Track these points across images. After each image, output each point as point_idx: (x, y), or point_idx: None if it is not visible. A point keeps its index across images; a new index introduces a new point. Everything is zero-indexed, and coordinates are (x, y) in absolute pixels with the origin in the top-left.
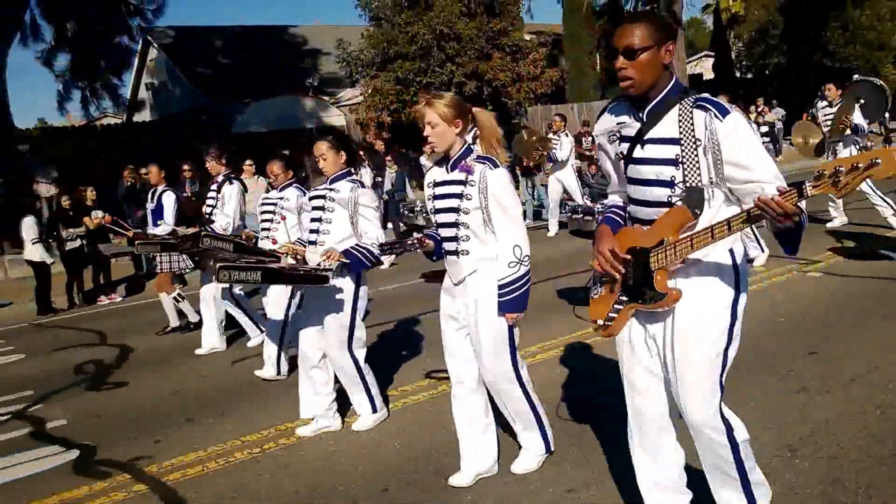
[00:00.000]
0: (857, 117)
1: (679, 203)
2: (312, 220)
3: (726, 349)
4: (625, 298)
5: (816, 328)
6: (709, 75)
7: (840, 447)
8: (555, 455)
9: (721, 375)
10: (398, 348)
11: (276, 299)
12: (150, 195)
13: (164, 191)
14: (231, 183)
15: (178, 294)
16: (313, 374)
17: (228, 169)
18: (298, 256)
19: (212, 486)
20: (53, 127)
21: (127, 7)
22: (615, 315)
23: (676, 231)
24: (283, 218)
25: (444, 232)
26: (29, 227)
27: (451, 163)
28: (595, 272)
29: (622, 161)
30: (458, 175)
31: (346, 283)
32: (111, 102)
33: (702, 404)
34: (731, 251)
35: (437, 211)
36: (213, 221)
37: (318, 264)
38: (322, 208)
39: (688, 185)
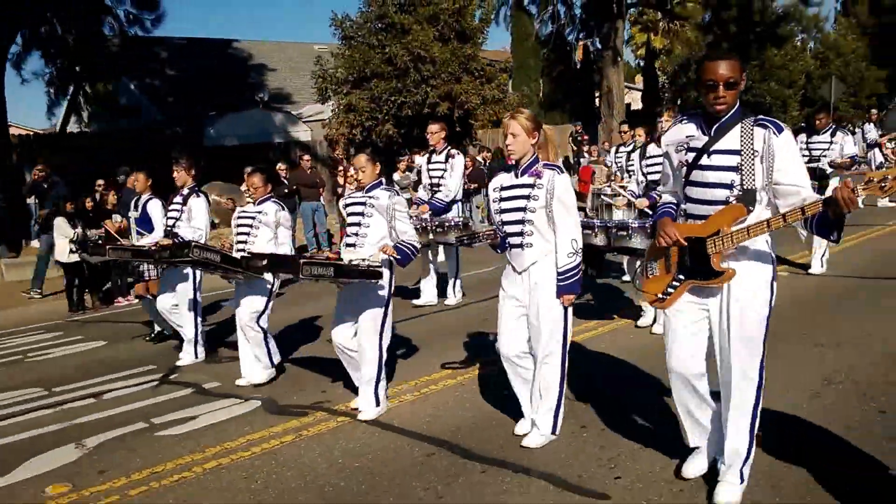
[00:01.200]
0: (849, 147)
1: (734, 202)
2: (351, 224)
3: (768, 316)
4: (682, 277)
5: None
6: (636, 105)
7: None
8: None
9: (765, 338)
10: (412, 342)
11: (183, 291)
12: (133, 203)
13: (149, 199)
14: (198, 196)
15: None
16: (353, 362)
17: (195, 181)
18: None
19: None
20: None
21: (126, 16)
22: (672, 290)
23: (731, 223)
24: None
25: (510, 228)
26: (61, 227)
27: (521, 169)
28: (649, 255)
29: (685, 167)
30: (527, 179)
31: (384, 280)
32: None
33: (750, 359)
34: (768, 241)
35: (504, 210)
36: (176, 234)
37: (362, 261)
38: (362, 214)
39: (745, 187)
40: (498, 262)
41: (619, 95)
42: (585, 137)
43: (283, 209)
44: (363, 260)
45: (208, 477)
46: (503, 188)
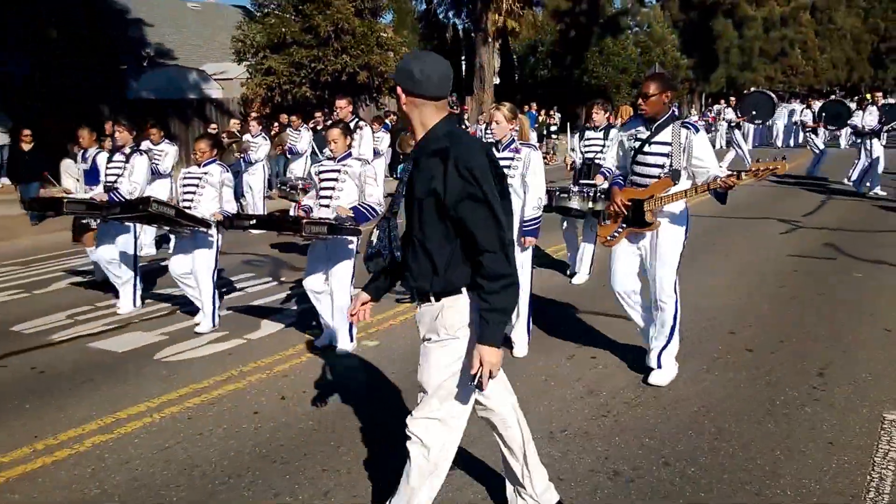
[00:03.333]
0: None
1: (664, 176)
2: (324, 188)
3: (681, 253)
4: (624, 225)
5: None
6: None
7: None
8: None
9: (678, 267)
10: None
11: (125, 242)
12: (81, 156)
13: (97, 152)
14: (140, 154)
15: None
16: (324, 300)
17: (136, 142)
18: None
19: None
20: None
21: None
22: (617, 235)
23: (662, 190)
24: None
25: (326, 184)
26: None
27: (503, 146)
28: (607, 211)
29: (633, 151)
30: (508, 154)
31: (354, 238)
32: None
33: (667, 280)
34: (686, 207)
35: (322, 174)
36: (116, 189)
37: (335, 219)
38: (336, 180)
39: (673, 167)
40: None
41: (490, 72)
42: (466, 108)
43: (227, 171)
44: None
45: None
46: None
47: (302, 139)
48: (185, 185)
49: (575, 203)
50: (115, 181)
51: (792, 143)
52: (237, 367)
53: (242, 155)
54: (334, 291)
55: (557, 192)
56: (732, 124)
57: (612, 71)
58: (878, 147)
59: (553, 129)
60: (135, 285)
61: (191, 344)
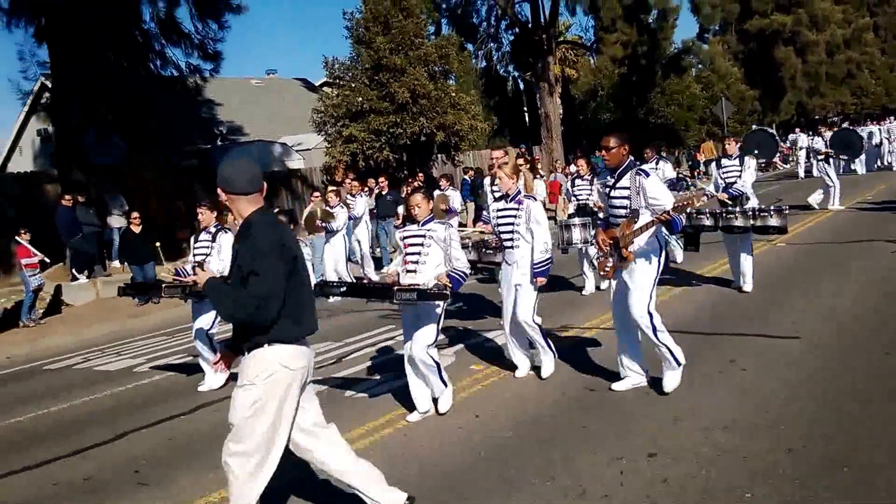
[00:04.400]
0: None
1: (629, 216)
2: (411, 253)
3: (654, 281)
4: (613, 260)
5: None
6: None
7: None
8: None
9: (652, 296)
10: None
11: (207, 320)
12: (198, 235)
13: (219, 229)
14: (226, 233)
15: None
16: (420, 372)
17: (219, 220)
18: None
19: None
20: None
21: (187, 65)
22: (609, 269)
23: (629, 228)
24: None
25: (504, 235)
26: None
27: (510, 198)
28: (599, 249)
29: (606, 197)
30: (514, 205)
31: (441, 302)
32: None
33: (638, 303)
34: (657, 238)
35: (500, 225)
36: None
37: (426, 284)
38: (421, 244)
39: (632, 208)
40: None
41: (556, 121)
42: (537, 159)
43: (307, 244)
44: (427, 284)
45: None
46: (498, 210)
47: (357, 205)
48: (196, 249)
49: (577, 235)
50: (204, 261)
51: (875, 166)
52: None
53: (325, 224)
54: (414, 348)
55: (564, 226)
56: (820, 157)
57: (678, 109)
58: None
59: None
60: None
61: None
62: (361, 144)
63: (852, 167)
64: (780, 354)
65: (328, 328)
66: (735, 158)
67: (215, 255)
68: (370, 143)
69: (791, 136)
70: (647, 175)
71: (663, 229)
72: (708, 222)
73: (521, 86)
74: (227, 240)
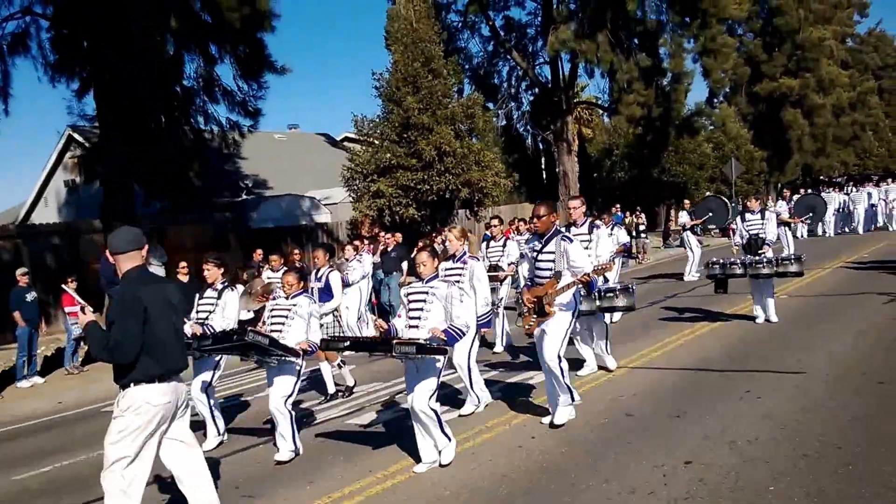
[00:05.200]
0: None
1: (553, 277)
2: (413, 309)
3: (566, 331)
4: (535, 316)
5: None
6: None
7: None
8: None
9: (563, 343)
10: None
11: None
12: (314, 276)
13: (330, 271)
14: (232, 290)
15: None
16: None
17: (225, 276)
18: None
19: None
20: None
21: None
22: (532, 323)
23: (552, 287)
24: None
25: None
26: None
27: (456, 258)
28: (523, 306)
29: (533, 260)
30: (460, 264)
31: (441, 357)
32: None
33: (550, 349)
34: (574, 297)
35: (446, 279)
36: (208, 325)
37: (425, 340)
38: (424, 301)
39: (557, 270)
40: None
41: (574, 178)
42: (557, 215)
43: (315, 302)
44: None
45: None
46: (446, 269)
47: (354, 272)
48: (273, 317)
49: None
50: (207, 318)
51: (872, 227)
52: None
53: (266, 297)
54: (415, 402)
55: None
56: (687, 228)
57: (690, 168)
58: None
59: (641, 228)
60: (213, 416)
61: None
62: (389, 200)
63: (820, 231)
64: (791, 386)
65: (376, 370)
66: (757, 213)
67: (219, 311)
68: (397, 198)
69: (795, 197)
70: (571, 241)
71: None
72: (739, 271)
73: (540, 144)
74: (231, 298)
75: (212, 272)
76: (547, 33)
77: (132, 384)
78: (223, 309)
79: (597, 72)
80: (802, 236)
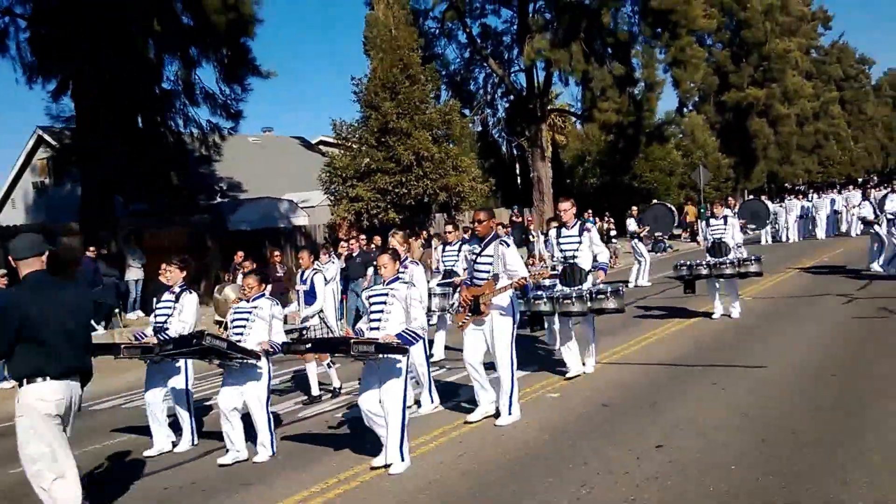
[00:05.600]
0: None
1: (491, 279)
2: (374, 311)
3: (512, 332)
4: (470, 314)
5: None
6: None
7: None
8: None
9: (512, 348)
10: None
11: (178, 379)
12: (299, 278)
13: (315, 272)
14: (190, 293)
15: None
16: (379, 422)
17: (186, 280)
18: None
19: None
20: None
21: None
22: (466, 321)
23: (490, 288)
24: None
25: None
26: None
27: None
28: (459, 303)
29: (472, 262)
30: (401, 268)
31: (402, 356)
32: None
33: (502, 355)
34: (511, 298)
35: (373, 298)
36: (166, 330)
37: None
38: (384, 303)
39: (495, 273)
40: None
41: (548, 184)
42: (531, 220)
43: (277, 304)
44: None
45: None
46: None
47: (329, 269)
48: (235, 320)
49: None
50: (165, 321)
51: (833, 231)
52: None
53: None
54: (387, 410)
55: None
56: (636, 235)
57: (660, 175)
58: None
59: (612, 234)
60: (192, 423)
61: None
62: (367, 204)
63: (784, 237)
64: (754, 379)
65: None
66: (721, 219)
67: (176, 315)
68: (376, 202)
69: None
70: (508, 246)
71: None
72: (704, 271)
73: (515, 150)
74: (189, 301)
75: (173, 275)
76: (523, 42)
77: (25, 381)
78: (180, 312)
79: (571, 80)
80: (767, 242)
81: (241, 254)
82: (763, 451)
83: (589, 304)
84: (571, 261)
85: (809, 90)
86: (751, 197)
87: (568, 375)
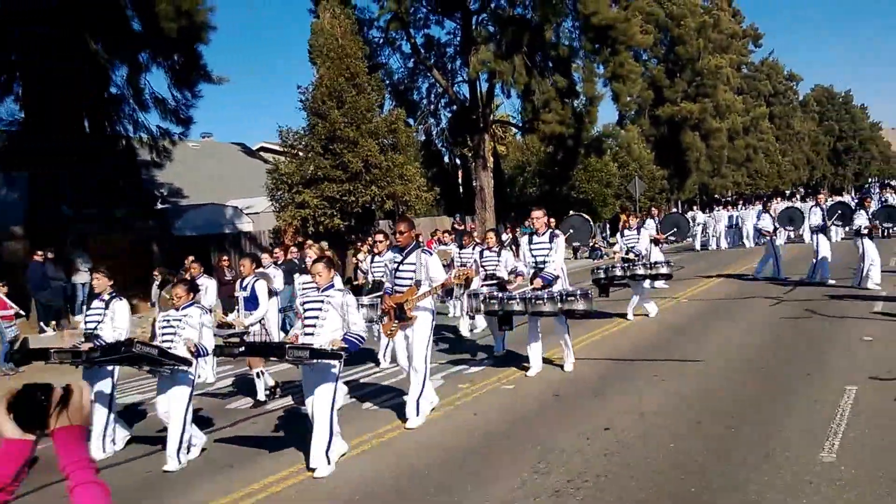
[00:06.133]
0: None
1: (413, 285)
2: (308, 317)
3: (429, 337)
4: (397, 321)
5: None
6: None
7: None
8: None
9: (429, 345)
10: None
11: (104, 384)
12: (239, 285)
13: (256, 280)
14: (120, 300)
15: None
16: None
17: (114, 287)
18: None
19: None
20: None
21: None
22: (395, 328)
23: (411, 295)
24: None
25: (309, 314)
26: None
27: (323, 290)
28: (383, 312)
29: (394, 270)
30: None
31: (336, 362)
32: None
33: (418, 352)
34: (431, 302)
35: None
36: (98, 336)
37: (323, 346)
38: (319, 310)
39: (416, 280)
40: None
41: (490, 193)
42: (473, 227)
43: (207, 313)
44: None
45: None
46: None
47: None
48: (164, 329)
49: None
50: (96, 328)
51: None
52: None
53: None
54: (315, 414)
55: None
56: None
57: (597, 186)
58: (824, 242)
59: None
60: (105, 430)
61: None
62: (314, 210)
63: (714, 245)
64: (690, 371)
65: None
66: (634, 229)
67: (108, 322)
68: (323, 209)
69: (689, 213)
70: (431, 254)
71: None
72: (619, 273)
73: (457, 160)
74: (121, 307)
75: (100, 282)
76: (466, 53)
77: None
78: (112, 319)
79: (513, 92)
80: (698, 250)
81: (191, 258)
82: (699, 431)
83: (559, 304)
84: (542, 265)
85: (740, 105)
86: (673, 211)
87: (528, 374)
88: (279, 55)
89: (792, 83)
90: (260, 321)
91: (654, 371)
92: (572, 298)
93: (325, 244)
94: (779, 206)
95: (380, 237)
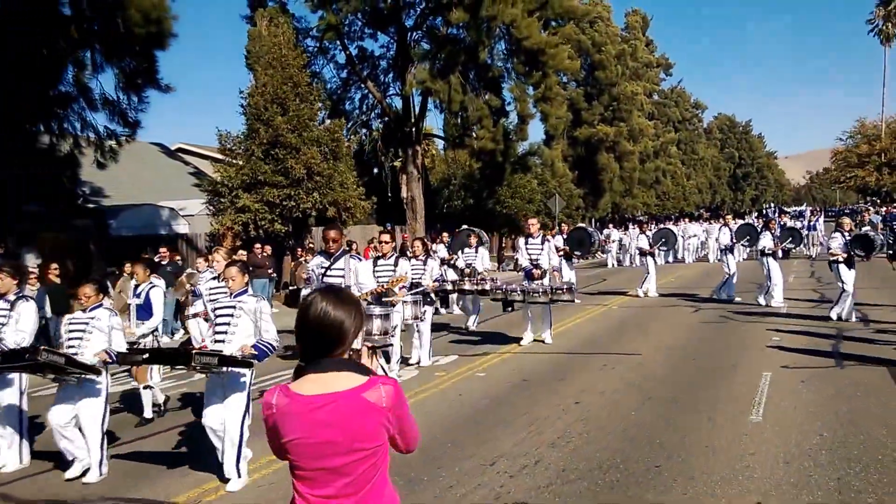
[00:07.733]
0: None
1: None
2: (220, 323)
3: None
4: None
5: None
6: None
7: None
8: None
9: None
10: None
11: (11, 394)
12: (132, 292)
13: (150, 287)
14: (27, 301)
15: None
16: (223, 437)
17: (20, 287)
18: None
19: None
20: None
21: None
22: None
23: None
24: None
25: (220, 320)
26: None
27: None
28: None
29: (321, 276)
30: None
31: (247, 370)
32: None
33: (235, 422)
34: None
35: (218, 311)
36: (1, 339)
37: (234, 354)
38: (231, 315)
39: (346, 284)
40: None
41: (421, 204)
42: (406, 236)
43: (116, 315)
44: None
45: None
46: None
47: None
48: (70, 331)
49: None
50: (0, 330)
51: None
52: None
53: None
54: (227, 424)
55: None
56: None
57: (520, 202)
58: (731, 261)
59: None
60: (21, 440)
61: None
62: (255, 215)
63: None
64: (633, 363)
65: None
66: (538, 238)
67: (12, 324)
68: (263, 213)
69: (605, 231)
70: (360, 260)
71: None
72: (518, 297)
73: (388, 170)
74: (27, 309)
75: (4, 282)
76: (399, 67)
77: None
78: (17, 321)
79: (444, 107)
80: (613, 265)
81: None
82: (651, 404)
83: (550, 295)
84: (536, 261)
85: (651, 130)
86: (579, 226)
87: (521, 343)
88: (199, 59)
89: (697, 111)
90: (153, 332)
91: (603, 362)
92: (560, 291)
93: (269, 248)
94: (688, 226)
95: (385, 237)
